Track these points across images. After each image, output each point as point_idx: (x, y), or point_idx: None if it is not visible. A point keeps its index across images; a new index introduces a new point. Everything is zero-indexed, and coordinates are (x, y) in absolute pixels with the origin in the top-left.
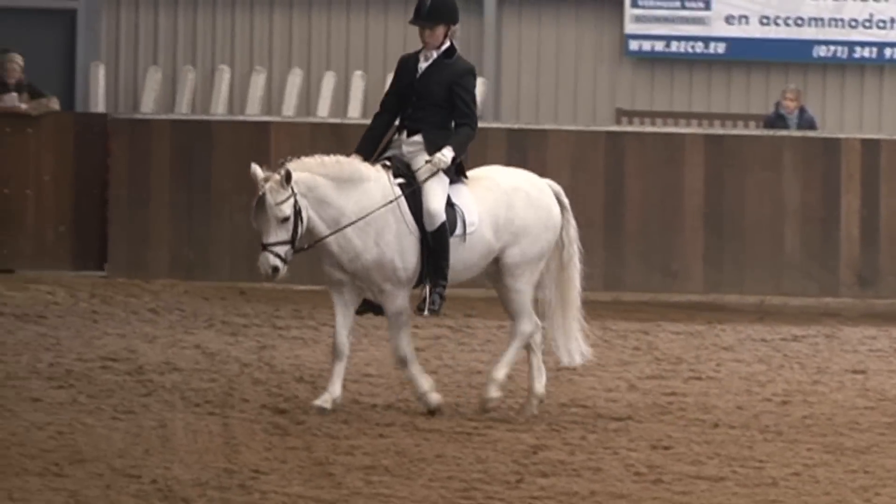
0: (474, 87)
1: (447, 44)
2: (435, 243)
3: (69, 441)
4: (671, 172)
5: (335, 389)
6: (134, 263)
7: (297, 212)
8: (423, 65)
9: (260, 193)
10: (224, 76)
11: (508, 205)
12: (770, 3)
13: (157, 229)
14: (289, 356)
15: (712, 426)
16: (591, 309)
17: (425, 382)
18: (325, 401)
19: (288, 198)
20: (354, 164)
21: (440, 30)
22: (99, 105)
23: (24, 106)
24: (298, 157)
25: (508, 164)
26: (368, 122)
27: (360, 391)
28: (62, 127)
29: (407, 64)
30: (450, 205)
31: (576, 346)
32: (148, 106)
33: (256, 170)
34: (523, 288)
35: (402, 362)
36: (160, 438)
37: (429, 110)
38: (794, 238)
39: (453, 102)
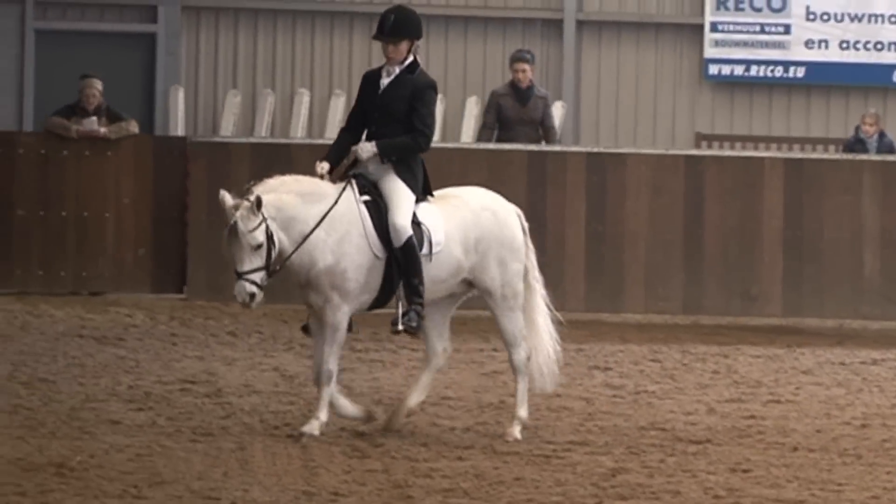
0: (434, 101)
1: (410, 58)
2: (404, 260)
3: (148, 463)
4: (751, 196)
5: (323, 415)
6: (213, 286)
7: (270, 236)
8: (385, 80)
9: (231, 222)
10: (303, 99)
11: (477, 224)
12: (849, 28)
13: None
14: (367, 379)
15: (791, 449)
16: (671, 332)
17: (351, 406)
18: (312, 427)
19: (260, 224)
20: (314, 181)
21: (404, 45)
22: (178, 128)
23: (103, 130)
24: (261, 181)
25: (588, 188)
26: (446, 145)
27: (438, 414)
28: (141, 150)
29: (370, 80)
30: (416, 223)
31: (548, 372)
32: (227, 129)
33: (225, 196)
34: (512, 313)
35: (327, 378)
36: (239, 461)
37: (392, 126)
38: (874, 262)
39: (410, 116)
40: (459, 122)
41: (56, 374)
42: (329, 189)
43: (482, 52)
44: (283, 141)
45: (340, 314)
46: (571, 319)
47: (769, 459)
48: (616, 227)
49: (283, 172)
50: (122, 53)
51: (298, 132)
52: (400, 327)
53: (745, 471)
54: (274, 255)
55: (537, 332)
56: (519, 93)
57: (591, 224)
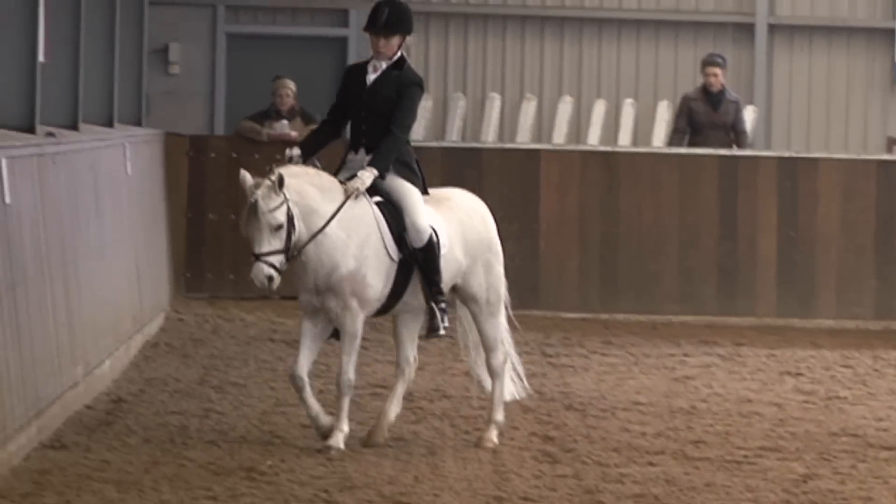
0: (419, 99)
1: (398, 54)
2: (426, 260)
3: (339, 468)
4: None
5: (333, 423)
6: None
7: (290, 218)
8: (371, 76)
9: (252, 200)
10: (495, 104)
11: (471, 227)
12: None
13: None
14: (558, 384)
15: None
16: (863, 338)
17: (346, 423)
18: (337, 440)
19: (281, 204)
20: (332, 179)
21: (396, 40)
22: None
23: (294, 133)
24: (283, 164)
25: (780, 192)
26: (638, 150)
27: (629, 419)
28: (332, 153)
29: (355, 75)
30: None
31: (516, 377)
32: (419, 133)
33: (246, 176)
34: (493, 320)
35: (348, 388)
36: (430, 465)
37: (379, 124)
38: None
39: (393, 110)
40: (651, 126)
41: (247, 378)
42: (341, 188)
43: (674, 57)
44: (474, 145)
45: (359, 322)
46: (762, 325)
47: None
48: (808, 232)
49: (475, 177)
50: (314, 57)
51: (489, 136)
52: (441, 332)
53: None
54: (294, 238)
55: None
56: (710, 97)
57: (783, 229)
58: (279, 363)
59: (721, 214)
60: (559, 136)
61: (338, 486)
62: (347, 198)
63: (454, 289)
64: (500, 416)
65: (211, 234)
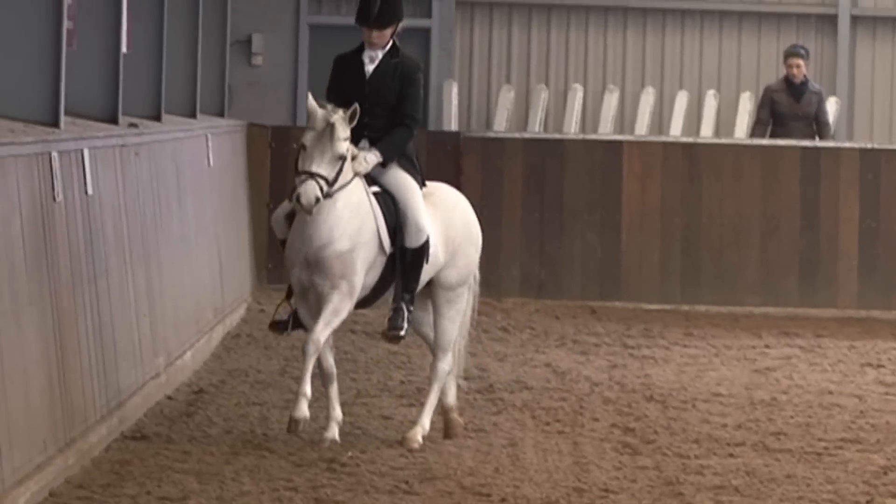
0: (422, 85)
1: (392, 42)
2: (413, 261)
3: (419, 459)
4: None
5: (337, 414)
6: (485, 282)
7: (345, 158)
8: (369, 67)
9: (330, 121)
10: (577, 95)
11: (451, 223)
12: None
13: (509, 248)
14: (639, 375)
15: None
16: None
17: (308, 386)
18: (333, 431)
19: (347, 138)
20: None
21: (389, 30)
22: (452, 123)
23: None
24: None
25: (862, 184)
26: (720, 141)
27: (710, 410)
28: (415, 144)
29: (350, 66)
30: None
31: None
32: (500, 124)
33: (314, 103)
34: (455, 316)
35: (314, 350)
36: (510, 457)
37: (384, 114)
38: None
39: (401, 101)
40: (733, 117)
41: None
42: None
43: (756, 48)
44: (556, 136)
45: (346, 302)
46: (843, 316)
47: None
48: (890, 223)
49: (557, 168)
50: None
51: (572, 127)
52: (403, 333)
53: None
54: (338, 181)
55: (462, 329)
56: (793, 88)
57: (865, 220)
58: (360, 354)
59: (802, 206)
60: (641, 128)
61: (418, 476)
62: (354, 176)
63: (429, 285)
64: (428, 421)
65: None
